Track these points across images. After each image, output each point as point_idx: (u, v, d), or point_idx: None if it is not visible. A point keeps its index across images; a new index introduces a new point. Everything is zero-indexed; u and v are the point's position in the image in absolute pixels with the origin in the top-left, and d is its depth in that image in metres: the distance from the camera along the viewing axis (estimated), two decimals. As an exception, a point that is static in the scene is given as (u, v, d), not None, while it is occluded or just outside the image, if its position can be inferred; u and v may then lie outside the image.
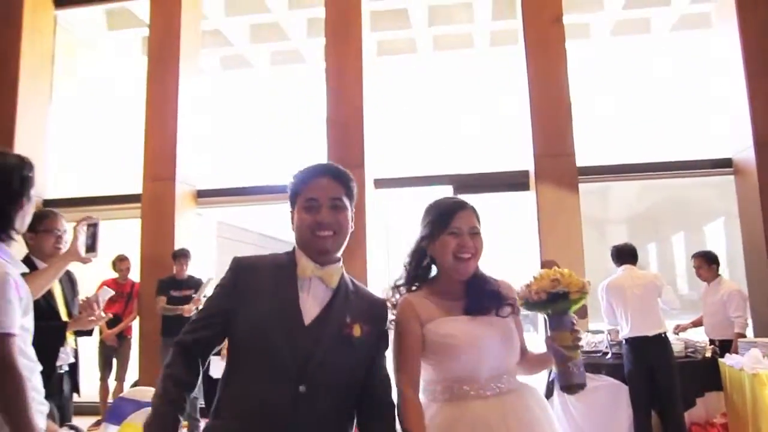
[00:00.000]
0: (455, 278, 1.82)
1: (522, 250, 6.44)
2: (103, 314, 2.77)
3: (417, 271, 1.90)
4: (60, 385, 2.84)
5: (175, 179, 6.13)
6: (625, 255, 4.60)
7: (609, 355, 4.64)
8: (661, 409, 4.28)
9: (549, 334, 1.70)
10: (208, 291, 5.18)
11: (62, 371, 2.85)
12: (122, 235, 6.26)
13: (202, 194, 6.55)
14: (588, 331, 5.00)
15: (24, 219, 1.86)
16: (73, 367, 2.97)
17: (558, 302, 1.65)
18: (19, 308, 1.68)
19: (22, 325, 1.71)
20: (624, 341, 4.37)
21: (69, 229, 2.75)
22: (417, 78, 9.03)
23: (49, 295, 2.73)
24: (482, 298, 1.79)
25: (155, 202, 6.11)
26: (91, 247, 2.52)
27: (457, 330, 1.75)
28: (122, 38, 8.05)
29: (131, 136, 6.90)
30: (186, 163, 6.36)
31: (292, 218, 1.71)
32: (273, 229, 12.45)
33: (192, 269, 5.55)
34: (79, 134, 7.59)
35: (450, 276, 1.83)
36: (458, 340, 1.73)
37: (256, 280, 1.63)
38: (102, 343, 5.81)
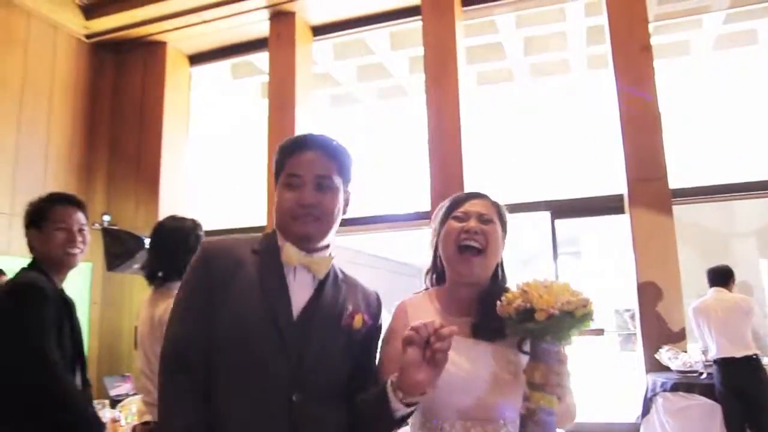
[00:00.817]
0: (460, 281, 1.55)
1: (622, 273, 6.64)
2: None
3: (435, 270, 1.66)
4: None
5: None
6: (715, 277, 4.80)
7: (704, 375, 4.82)
8: (756, 429, 4.43)
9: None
10: None
11: None
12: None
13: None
14: (683, 351, 5.19)
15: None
16: None
17: (529, 324, 1.29)
18: None
19: None
20: (713, 362, 4.57)
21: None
22: (514, 105, 9.42)
23: None
24: (495, 318, 1.38)
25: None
26: None
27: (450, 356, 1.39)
28: (245, 85, 9.11)
29: (257, 173, 7.84)
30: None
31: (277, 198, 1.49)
32: (385, 252, 13.49)
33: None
34: (210, 172, 8.70)
35: (456, 281, 1.56)
36: (450, 369, 1.38)
37: (233, 270, 1.40)
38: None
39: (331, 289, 1.47)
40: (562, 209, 6.49)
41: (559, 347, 1.30)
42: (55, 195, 2.51)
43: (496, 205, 1.63)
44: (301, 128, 7.33)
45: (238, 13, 7.09)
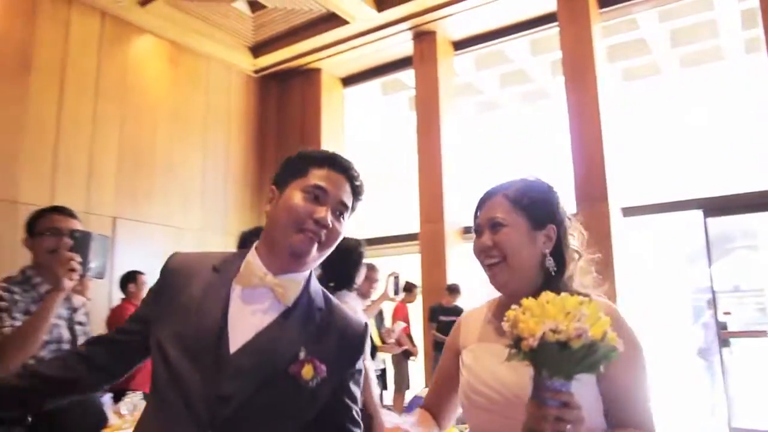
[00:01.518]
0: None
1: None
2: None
3: None
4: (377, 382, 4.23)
5: (444, 221, 7.47)
6: None
7: None
8: None
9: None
10: None
11: (378, 374, 4.25)
12: (405, 269, 7.81)
13: (468, 231, 7.75)
14: None
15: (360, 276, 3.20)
16: (383, 372, 4.37)
17: (520, 353, 1.01)
18: None
19: None
20: None
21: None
22: (663, 98, 9.22)
23: None
24: None
25: (429, 241, 7.52)
26: (396, 292, 3.85)
27: (477, 366, 1.32)
28: (394, 101, 9.81)
29: (409, 182, 8.48)
30: (452, 205, 7.64)
31: (271, 198, 1.36)
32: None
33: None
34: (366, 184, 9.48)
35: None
36: (473, 382, 1.31)
37: (183, 286, 1.28)
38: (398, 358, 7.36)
39: (298, 322, 1.26)
40: (716, 206, 6.38)
41: (560, 386, 0.99)
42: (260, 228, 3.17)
43: (513, 195, 1.37)
44: (446, 136, 7.83)
45: (384, 37, 7.74)
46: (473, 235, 1.44)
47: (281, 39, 7.90)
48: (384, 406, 3.79)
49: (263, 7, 7.17)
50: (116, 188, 6.82)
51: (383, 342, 4.30)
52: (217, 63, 8.13)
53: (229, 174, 8.25)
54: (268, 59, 8.24)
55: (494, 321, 1.36)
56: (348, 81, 9.07)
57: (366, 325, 1.40)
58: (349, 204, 1.35)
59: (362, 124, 9.86)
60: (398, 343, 4.28)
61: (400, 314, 6.93)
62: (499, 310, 1.37)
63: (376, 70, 8.78)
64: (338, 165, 1.35)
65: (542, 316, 0.98)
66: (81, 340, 2.26)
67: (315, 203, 1.29)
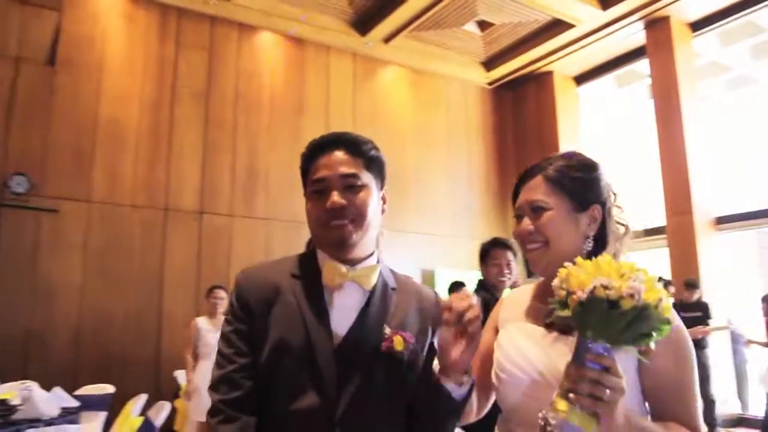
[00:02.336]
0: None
1: None
2: None
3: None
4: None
5: (692, 212, 7.23)
6: None
7: None
8: None
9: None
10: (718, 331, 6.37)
11: None
12: (652, 266, 7.72)
13: (722, 221, 7.43)
14: None
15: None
16: None
17: (565, 311, 0.99)
18: None
19: None
20: None
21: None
22: None
23: None
24: None
25: (678, 234, 7.36)
26: None
27: (508, 343, 1.30)
28: (630, 92, 9.67)
29: (649, 173, 8.35)
30: (701, 194, 7.39)
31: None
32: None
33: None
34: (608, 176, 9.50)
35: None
36: (501, 359, 1.30)
37: (271, 299, 1.30)
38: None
39: (378, 304, 1.32)
40: None
41: (604, 350, 0.96)
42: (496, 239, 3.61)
43: (553, 176, 1.31)
44: (689, 121, 7.58)
45: (615, 31, 7.78)
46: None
47: (511, 50, 8.41)
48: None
49: (491, 24, 7.74)
50: (376, 204, 7.93)
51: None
52: (453, 81, 8.92)
53: (472, 183, 8.96)
54: (500, 71, 8.80)
55: (533, 302, 1.35)
56: (581, 79, 9.22)
57: (436, 293, 1.45)
58: (355, 169, 1.32)
59: (599, 120, 9.88)
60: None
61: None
62: (539, 291, 1.36)
63: (609, 65, 8.82)
64: (325, 145, 1.34)
65: (596, 273, 0.95)
66: None
67: (322, 196, 1.30)
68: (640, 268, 0.97)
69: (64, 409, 3.35)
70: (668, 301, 0.96)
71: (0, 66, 6.16)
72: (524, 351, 1.25)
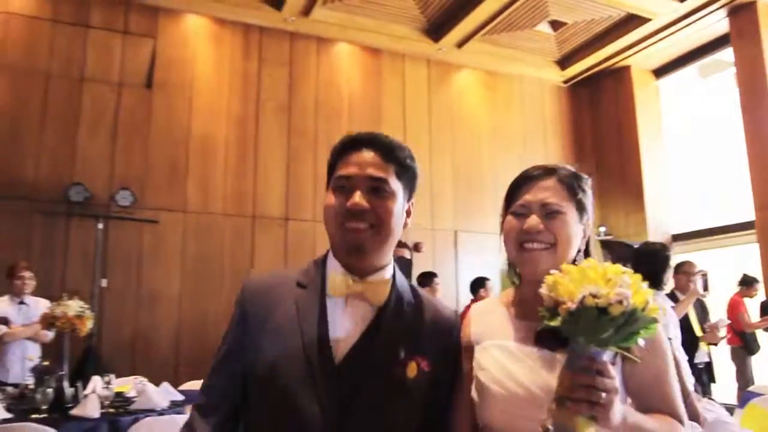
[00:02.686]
0: (529, 279, 1.28)
1: None
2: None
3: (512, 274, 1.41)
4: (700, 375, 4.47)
5: (782, 205, 7.01)
6: None
7: None
8: None
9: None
10: None
11: (701, 366, 4.52)
12: (737, 261, 7.50)
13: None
14: None
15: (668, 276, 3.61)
16: (708, 365, 4.61)
17: (554, 320, 1.01)
18: None
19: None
20: None
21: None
22: None
23: (686, 315, 4.45)
24: None
25: (767, 230, 7.14)
26: (704, 289, 4.13)
27: (491, 364, 1.25)
28: (715, 81, 9.37)
29: (735, 167, 8.10)
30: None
31: None
32: None
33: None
34: (690, 173, 9.27)
35: (527, 280, 1.31)
36: (484, 380, 1.24)
37: (273, 308, 1.25)
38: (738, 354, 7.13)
39: (392, 320, 1.23)
40: None
41: (595, 354, 0.98)
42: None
43: (568, 182, 1.32)
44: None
45: (696, 20, 7.59)
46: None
47: (585, 48, 8.37)
48: (709, 399, 4.05)
49: (564, 23, 7.75)
50: (454, 206, 8.12)
51: (706, 336, 4.53)
52: (528, 81, 8.98)
53: (549, 180, 8.96)
54: (575, 68, 8.77)
55: (517, 321, 1.30)
56: (660, 72, 9.03)
57: (456, 312, 1.38)
58: (385, 174, 1.25)
59: (681, 113, 9.63)
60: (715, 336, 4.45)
61: (735, 310, 6.73)
62: (518, 302, 1.34)
63: (690, 55, 8.58)
64: (358, 142, 1.28)
65: (582, 280, 0.97)
66: None
67: (344, 194, 1.23)
68: (626, 270, 0.99)
69: (172, 402, 3.75)
70: (654, 303, 0.98)
71: (105, 91, 6.79)
72: (513, 373, 1.21)
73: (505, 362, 1.23)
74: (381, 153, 1.27)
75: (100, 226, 6.45)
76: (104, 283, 6.41)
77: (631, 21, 7.60)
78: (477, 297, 6.29)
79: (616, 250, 6.90)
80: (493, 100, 8.77)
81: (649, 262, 3.56)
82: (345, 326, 1.21)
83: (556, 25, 7.82)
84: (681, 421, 1.22)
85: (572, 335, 0.99)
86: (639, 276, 0.99)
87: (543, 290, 1.04)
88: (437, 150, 8.18)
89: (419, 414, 1.22)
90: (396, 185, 1.27)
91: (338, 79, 7.90)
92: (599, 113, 9.36)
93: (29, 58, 6.53)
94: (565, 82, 9.18)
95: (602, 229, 8.51)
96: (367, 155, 1.26)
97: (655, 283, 3.56)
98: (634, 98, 8.89)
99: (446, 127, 8.27)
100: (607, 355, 0.99)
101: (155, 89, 7.01)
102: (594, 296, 0.95)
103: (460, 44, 7.91)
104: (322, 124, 7.71)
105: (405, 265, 4.82)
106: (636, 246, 4.07)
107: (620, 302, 0.94)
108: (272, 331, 1.22)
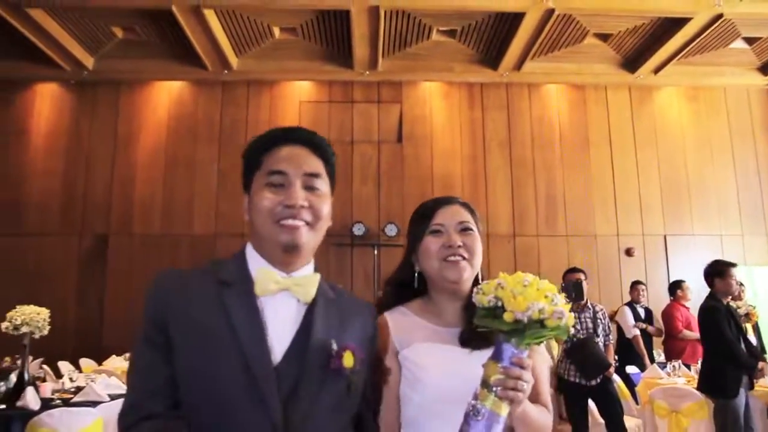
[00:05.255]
0: (447, 288, 1.51)
1: None
2: None
3: (400, 291, 1.63)
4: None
5: None
6: None
7: None
8: None
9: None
10: None
11: None
12: None
13: None
14: None
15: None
16: None
17: (495, 322, 1.21)
18: None
19: None
20: None
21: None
22: None
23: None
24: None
25: None
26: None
27: (434, 362, 1.43)
28: None
29: None
30: None
31: (247, 206, 1.28)
32: None
33: None
34: None
35: (443, 290, 1.53)
36: (430, 374, 1.42)
37: (191, 308, 1.16)
38: None
39: (322, 316, 1.24)
40: None
41: (524, 353, 1.21)
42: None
43: (468, 207, 1.59)
44: None
45: None
46: None
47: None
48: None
49: (758, 38, 8.46)
50: (663, 212, 9.23)
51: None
52: (730, 90, 9.68)
53: (762, 181, 9.56)
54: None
55: (432, 326, 1.50)
56: None
57: (371, 305, 1.44)
58: (319, 170, 1.28)
59: None
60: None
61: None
62: (435, 312, 1.54)
63: None
64: (288, 137, 1.28)
65: (525, 295, 1.17)
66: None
67: (280, 190, 1.22)
68: (552, 287, 1.21)
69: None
70: (570, 314, 1.20)
71: (368, 149, 9.22)
72: (460, 371, 1.37)
73: (438, 359, 1.43)
74: (310, 148, 1.29)
75: (375, 252, 8.80)
76: (380, 294, 8.67)
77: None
78: (675, 296, 7.39)
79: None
80: (698, 112, 9.64)
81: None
82: (275, 326, 1.19)
83: (750, 40, 8.51)
84: (550, 411, 1.49)
85: (509, 336, 1.20)
86: (562, 295, 1.23)
87: (479, 296, 1.25)
88: (643, 164, 9.36)
89: (357, 400, 1.26)
90: (324, 183, 1.29)
91: (549, 113, 9.51)
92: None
93: (317, 131, 9.12)
94: (769, 85, 9.69)
95: None
96: (300, 150, 1.27)
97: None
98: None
99: (650, 142, 9.40)
100: (525, 353, 1.22)
101: (404, 142, 9.28)
102: (541, 312, 1.17)
103: (657, 70, 9.02)
104: (538, 153, 9.37)
105: (577, 288, 5.32)
106: None
107: (559, 318, 1.18)
108: (197, 334, 1.14)
